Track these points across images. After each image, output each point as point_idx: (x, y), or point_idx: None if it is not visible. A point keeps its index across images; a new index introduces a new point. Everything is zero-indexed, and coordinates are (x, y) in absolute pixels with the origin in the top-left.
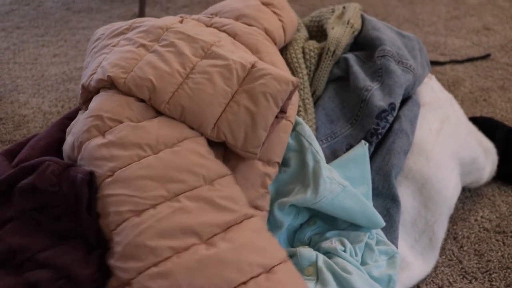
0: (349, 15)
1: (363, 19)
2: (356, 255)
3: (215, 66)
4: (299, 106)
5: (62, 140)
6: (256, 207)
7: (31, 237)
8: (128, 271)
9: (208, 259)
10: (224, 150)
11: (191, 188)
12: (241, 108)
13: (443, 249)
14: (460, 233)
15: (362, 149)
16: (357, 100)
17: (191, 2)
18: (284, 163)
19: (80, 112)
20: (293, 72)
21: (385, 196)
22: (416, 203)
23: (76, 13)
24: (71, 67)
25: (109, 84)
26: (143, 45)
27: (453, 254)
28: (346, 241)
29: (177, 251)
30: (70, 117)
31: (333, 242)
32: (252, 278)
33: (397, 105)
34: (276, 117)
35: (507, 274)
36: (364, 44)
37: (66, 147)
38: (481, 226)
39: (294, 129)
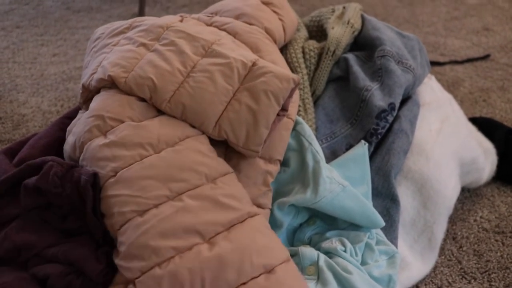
0: (349, 15)
1: (363, 19)
2: (356, 255)
3: (216, 64)
4: (299, 105)
5: (62, 139)
6: (259, 205)
7: (36, 234)
8: (132, 270)
9: (210, 261)
10: (225, 149)
11: (194, 187)
12: (242, 106)
13: (442, 249)
14: (459, 233)
15: (362, 149)
16: (357, 100)
17: (190, 1)
18: (284, 163)
19: (80, 111)
20: (293, 71)
21: (385, 196)
22: (416, 203)
23: (76, 13)
24: (70, 66)
25: (110, 84)
26: (143, 44)
27: (452, 254)
28: (346, 241)
29: (180, 251)
30: (70, 117)
31: (333, 242)
32: (252, 278)
33: (397, 105)
34: (278, 115)
35: (506, 274)
36: (364, 44)
37: (67, 147)
38: (480, 226)
39: (294, 129)
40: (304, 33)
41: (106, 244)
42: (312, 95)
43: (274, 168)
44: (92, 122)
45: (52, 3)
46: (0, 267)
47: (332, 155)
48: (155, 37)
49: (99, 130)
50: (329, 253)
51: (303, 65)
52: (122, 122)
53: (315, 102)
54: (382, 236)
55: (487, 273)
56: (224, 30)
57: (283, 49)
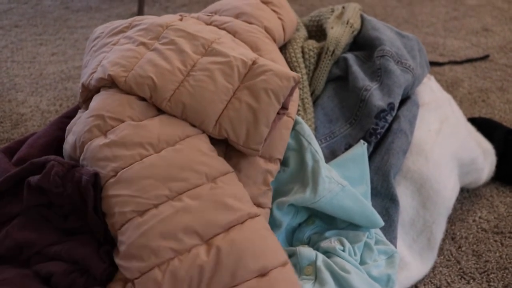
0: (348, 15)
1: (362, 19)
2: (355, 254)
3: (216, 63)
4: (298, 105)
5: (60, 138)
6: (258, 205)
7: (38, 232)
8: (131, 270)
9: (207, 265)
10: (225, 148)
11: (194, 187)
12: (242, 105)
13: (441, 249)
14: (458, 233)
15: (361, 149)
16: (356, 100)
17: (190, 1)
18: (283, 163)
19: (80, 111)
20: (292, 71)
21: (384, 196)
22: (415, 203)
23: (75, 12)
24: (69, 65)
25: (110, 83)
26: (143, 43)
27: (451, 255)
28: (345, 241)
29: (179, 253)
30: (69, 116)
31: (332, 242)
32: (244, 281)
33: (396, 105)
34: (278, 113)
35: (505, 274)
36: (363, 44)
37: (67, 146)
38: (479, 226)
39: (293, 128)
40: (303, 32)
41: (107, 243)
42: (311, 94)
43: (274, 167)
44: (92, 122)
45: (51, 2)
46: (1, 264)
47: (331, 155)
48: (154, 36)
49: (99, 129)
50: (327, 253)
51: (302, 65)
52: (122, 121)
53: (314, 102)
54: (381, 236)
55: (486, 273)
56: (224, 29)
57: (283, 49)
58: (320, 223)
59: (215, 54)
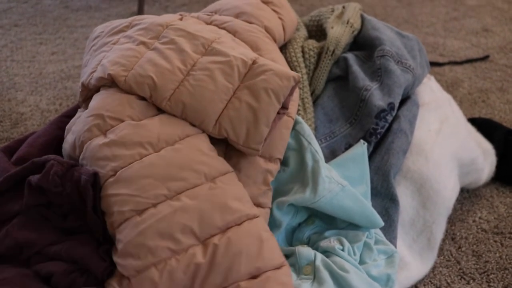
0: (348, 15)
1: (362, 19)
2: (355, 254)
3: (216, 62)
4: (298, 105)
5: (60, 138)
6: (258, 205)
7: (38, 232)
8: (127, 268)
9: (202, 266)
10: (225, 147)
11: (192, 186)
12: (242, 104)
13: (441, 249)
14: (458, 233)
15: (361, 149)
16: (356, 100)
17: (190, 0)
18: (283, 162)
19: (79, 110)
20: (292, 71)
21: (384, 196)
22: (415, 203)
23: (75, 11)
24: (69, 65)
25: (110, 82)
26: (143, 43)
27: (451, 255)
28: (344, 240)
29: (176, 252)
30: (68, 115)
31: (331, 241)
32: (236, 282)
33: (396, 105)
34: (278, 113)
35: (505, 275)
36: (363, 44)
37: (67, 145)
38: (479, 227)
39: (293, 128)
40: (303, 32)
41: (106, 242)
42: (312, 94)
43: (274, 167)
44: (92, 121)
45: (50, 1)
46: (1, 264)
47: (331, 155)
48: (154, 36)
49: (99, 129)
50: (327, 252)
51: (302, 65)
52: (122, 121)
53: (315, 102)
54: (381, 235)
55: (486, 273)
56: (224, 28)
57: (283, 49)
58: (320, 223)
59: (215, 53)
